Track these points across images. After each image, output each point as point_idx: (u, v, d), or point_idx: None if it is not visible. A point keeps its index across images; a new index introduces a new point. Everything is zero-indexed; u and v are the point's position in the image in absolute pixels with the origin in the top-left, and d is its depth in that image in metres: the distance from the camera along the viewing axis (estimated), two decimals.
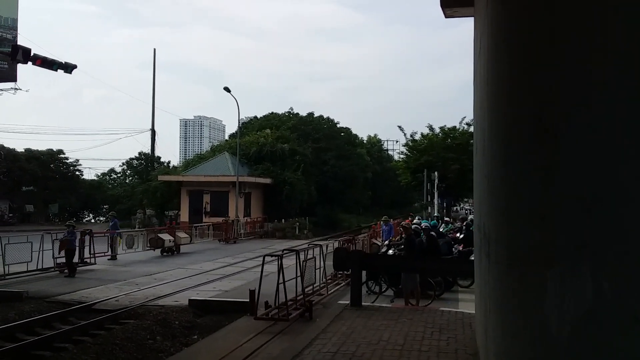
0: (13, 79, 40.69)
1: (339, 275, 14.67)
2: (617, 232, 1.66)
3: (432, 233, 13.55)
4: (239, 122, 38.47)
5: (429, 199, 35.37)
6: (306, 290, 11.28)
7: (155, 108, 48.67)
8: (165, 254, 23.21)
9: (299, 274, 10.95)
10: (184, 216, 36.37)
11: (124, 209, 48.88)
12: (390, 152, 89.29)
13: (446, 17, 11.76)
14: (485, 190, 5.81)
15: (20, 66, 35.87)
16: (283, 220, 36.73)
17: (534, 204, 2.85)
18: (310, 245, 12.52)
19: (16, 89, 41.08)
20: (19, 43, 23.48)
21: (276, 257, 10.73)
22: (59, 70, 18.37)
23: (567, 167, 2.14)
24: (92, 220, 53.81)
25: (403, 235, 13.05)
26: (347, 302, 11.74)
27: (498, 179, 4.74)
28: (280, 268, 10.56)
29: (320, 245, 12.58)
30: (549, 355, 2.39)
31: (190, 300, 12.47)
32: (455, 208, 55.84)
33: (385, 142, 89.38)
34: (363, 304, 11.20)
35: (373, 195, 60.90)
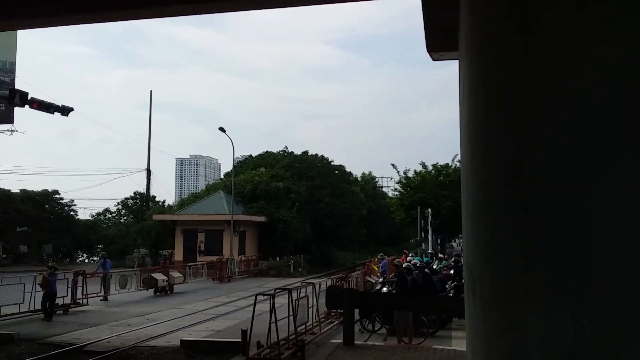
0: (10, 120, 40.95)
1: (332, 314, 14.64)
2: (595, 273, 1.74)
3: (427, 270, 13.61)
4: (233, 161, 38.82)
5: (423, 236, 35.46)
6: (299, 329, 11.26)
7: (151, 148, 49.05)
8: (158, 293, 23.07)
9: (291, 313, 10.95)
10: (178, 255, 36.24)
11: (118, 248, 48.67)
12: (384, 189, 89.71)
13: (434, 60, 12.15)
14: (469, 230, 5.96)
15: (17, 108, 36.24)
16: (278, 258, 36.62)
17: (515, 243, 2.95)
18: (303, 284, 12.55)
19: (13, 130, 41.35)
20: (16, 86, 23.91)
21: (269, 296, 10.74)
22: (55, 113, 18.66)
23: (542, 209, 2.21)
24: (86, 261, 53.46)
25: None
26: (340, 341, 11.74)
27: (481, 219, 4.90)
28: (273, 307, 10.58)
29: (313, 284, 12.61)
30: None
31: (182, 340, 12.41)
32: (450, 244, 55.81)
33: (380, 179, 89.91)
34: (356, 342, 11.20)
35: (368, 232, 60.93)
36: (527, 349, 2.48)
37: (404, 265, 12.54)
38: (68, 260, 51.00)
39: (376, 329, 12.68)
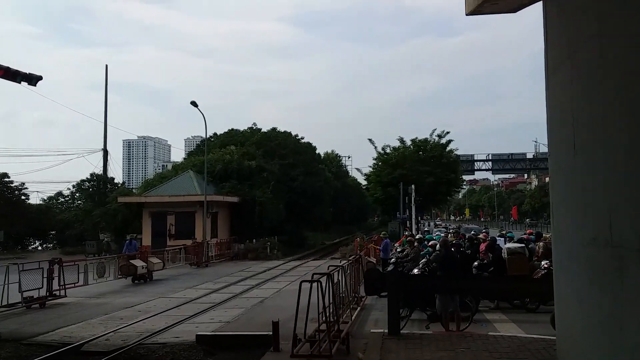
0: None
1: (350, 299, 13.41)
2: None
3: (464, 249, 12.52)
4: (205, 138, 36.74)
5: (407, 213, 34.57)
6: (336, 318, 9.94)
7: (107, 127, 46.06)
8: (137, 281, 21.29)
9: (330, 300, 9.59)
10: (146, 239, 34.09)
11: (75, 234, 45.81)
12: (345, 168, 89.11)
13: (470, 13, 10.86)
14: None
15: None
16: (254, 240, 35.09)
17: None
18: (330, 267, 11.19)
19: None
20: None
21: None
22: (22, 82, 16.42)
23: None
24: (40, 248, 50.30)
25: (411, 250, 11.95)
26: (379, 329, 10.54)
27: None
28: (311, 293, 9.16)
29: (343, 267, 11.29)
30: None
31: (197, 336, 10.88)
32: (425, 223, 55.52)
33: (343, 157, 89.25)
34: (401, 331, 10.01)
35: (333, 212, 60.07)
36: None
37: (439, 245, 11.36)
38: (20, 248, 47.77)
39: (410, 314, 11.56)
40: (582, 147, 6.09)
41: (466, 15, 10.80)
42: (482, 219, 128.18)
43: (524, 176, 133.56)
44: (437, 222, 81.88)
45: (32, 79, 16.67)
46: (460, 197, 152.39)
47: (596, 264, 5.71)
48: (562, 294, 7.21)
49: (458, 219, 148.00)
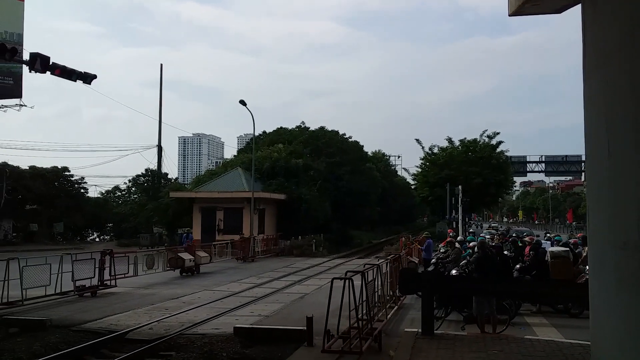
0: (18, 95, 39.52)
1: (387, 298, 13.42)
2: None
3: (506, 252, 12.33)
4: (254, 136, 37.35)
5: (454, 214, 34.12)
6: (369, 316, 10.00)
7: (162, 124, 47.56)
8: (184, 274, 21.94)
9: (364, 298, 9.67)
10: (196, 234, 34.96)
11: (130, 227, 47.57)
12: (395, 168, 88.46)
13: (513, 14, 10.66)
14: None
15: (31, 77, 34.78)
16: (300, 237, 35.44)
17: None
18: (367, 265, 11.26)
19: (21, 105, 39.86)
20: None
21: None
22: (77, 80, 17.26)
23: None
24: (97, 239, 52.45)
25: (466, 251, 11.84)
26: (413, 329, 10.54)
27: None
28: (344, 291, 9.26)
29: (378, 265, 11.33)
30: None
31: (235, 328, 11.18)
32: (471, 223, 54.56)
33: (390, 157, 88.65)
34: (435, 331, 9.98)
35: (381, 212, 59.74)
36: None
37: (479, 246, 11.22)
38: (79, 239, 49.93)
39: (446, 315, 11.50)
40: (615, 150, 5.97)
41: (509, 15, 10.65)
42: (535, 222, 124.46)
43: (580, 178, 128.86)
44: (492, 224, 79.80)
45: (87, 78, 17.50)
46: (514, 199, 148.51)
47: (626, 269, 5.59)
48: (595, 299, 7.06)
49: (511, 221, 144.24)
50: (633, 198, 5.37)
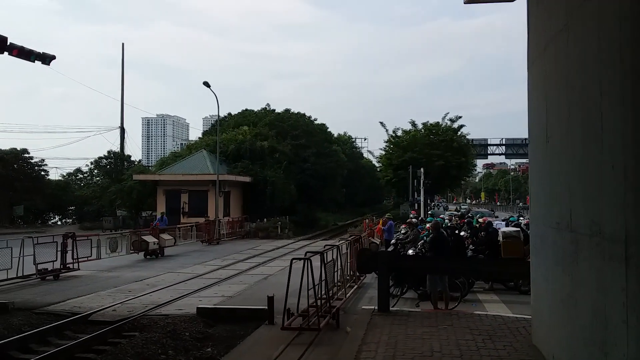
0: None
1: (348, 277, 13.87)
2: None
3: (459, 232, 12.88)
4: (218, 118, 37.24)
5: (417, 196, 34.88)
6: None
7: (124, 104, 46.87)
8: (148, 257, 21.99)
9: (323, 277, 10.05)
10: None
11: (93, 210, 46.92)
12: (360, 150, 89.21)
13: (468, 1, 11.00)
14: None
15: None
16: (265, 219, 35.70)
17: None
18: (327, 247, 11.64)
19: None
20: None
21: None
22: (36, 61, 16.97)
23: None
24: (59, 223, 51.59)
25: (428, 232, 12.33)
26: (371, 306, 10.99)
27: None
28: (304, 271, 9.61)
29: (338, 246, 11.74)
30: None
31: (198, 308, 11.45)
32: (433, 204, 55.70)
33: (356, 139, 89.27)
34: (391, 308, 10.46)
35: (346, 193, 60.42)
36: None
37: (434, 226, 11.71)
38: (40, 222, 49.03)
39: (402, 293, 12.00)
40: (551, 137, 6.41)
41: (464, 3, 10.99)
42: (497, 203, 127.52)
43: None
44: (462, 206, 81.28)
45: (46, 58, 17.24)
46: (477, 180, 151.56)
47: (560, 247, 6.08)
48: (535, 275, 7.60)
49: (474, 202, 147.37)
50: (564, 182, 5.82)
